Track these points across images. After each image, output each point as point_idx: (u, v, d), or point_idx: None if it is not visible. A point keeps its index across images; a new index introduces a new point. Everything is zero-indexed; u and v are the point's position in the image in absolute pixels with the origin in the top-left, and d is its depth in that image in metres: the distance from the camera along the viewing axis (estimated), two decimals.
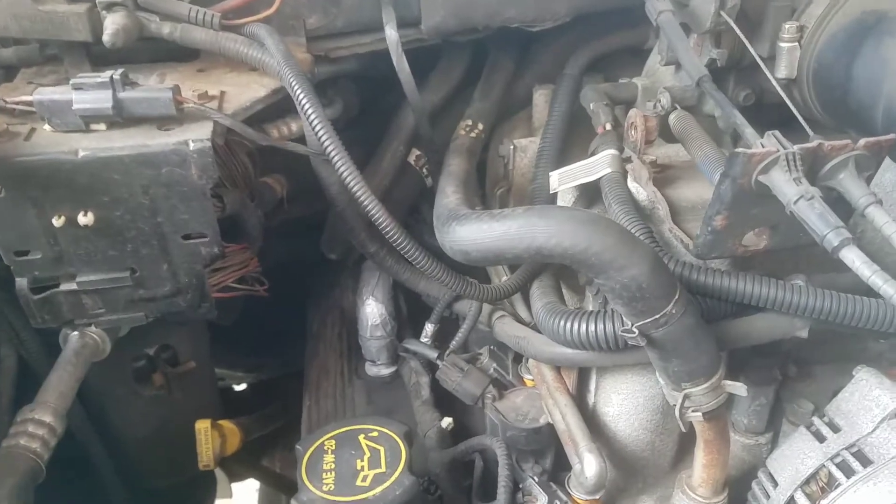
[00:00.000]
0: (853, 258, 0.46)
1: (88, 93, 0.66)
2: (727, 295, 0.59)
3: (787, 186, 0.48)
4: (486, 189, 0.90)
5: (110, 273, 0.71)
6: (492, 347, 0.85)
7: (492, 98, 0.96)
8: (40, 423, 0.65)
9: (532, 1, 0.87)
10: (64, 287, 0.71)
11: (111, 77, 0.67)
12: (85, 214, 0.66)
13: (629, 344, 0.61)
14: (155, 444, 0.98)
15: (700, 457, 0.65)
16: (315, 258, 0.93)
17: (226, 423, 0.95)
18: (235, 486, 1.43)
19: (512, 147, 0.87)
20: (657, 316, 0.53)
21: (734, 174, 0.50)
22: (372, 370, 0.93)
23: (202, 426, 0.90)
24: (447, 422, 0.82)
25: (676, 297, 0.53)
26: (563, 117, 0.86)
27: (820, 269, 0.65)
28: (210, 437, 0.90)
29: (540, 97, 0.94)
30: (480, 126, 0.90)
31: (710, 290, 0.59)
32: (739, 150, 0.49)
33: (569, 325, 0.63)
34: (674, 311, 0.53)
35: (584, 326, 0.62)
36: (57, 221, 0.65)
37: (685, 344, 0.55)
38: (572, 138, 0.86)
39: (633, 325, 0.54)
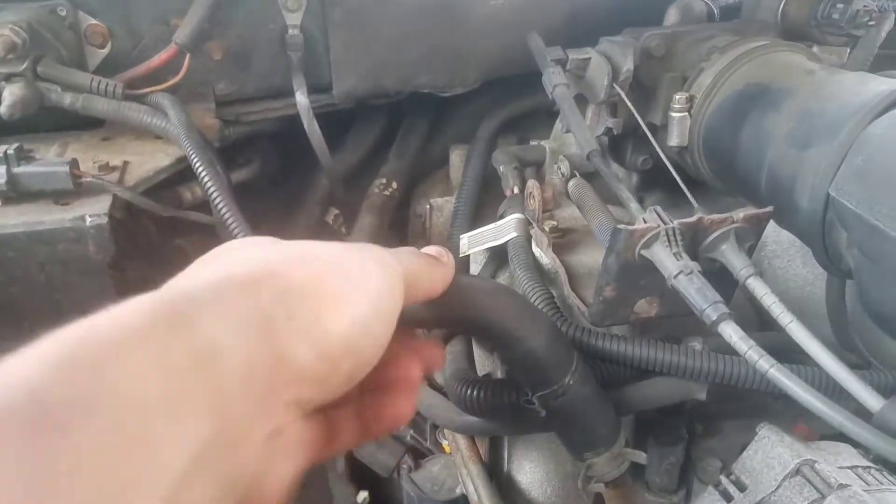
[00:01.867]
0: (730, 333, 0.47)
1: None
2: (625, 360, 0.60)
3: (667, 261, 0.49)
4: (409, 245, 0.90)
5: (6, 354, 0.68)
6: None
7: (407, 157, 0.97)
8: None
9: (442, 67, 0.89)
10: None
11: (5, 152, 0.65)
12: None
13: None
14: None
15: None
16: None
17: None
18: None
19: (428, 207, 0.88)
20: (555, 386, 0.53)
21: (618, 249, 0.51)
22: None
23: None
24: (363, 496, 0.81)
25: (573, 367, 0.53)
26: (476, 179, 0.87)
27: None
28: None
29: (456, 157, 0.96)
30: (395, 184, 0.91)
31: (609, 355, 0.60)
32: (621, 226, 0.51)
33: (475, 393, 0.63)
34: (571, 382, 0.53)
35: (489, 395, 0.61)
36: None
37: (584, 413, 0.55)
38: (487, 198, 0.87)
39: (532, 395, 0.55)
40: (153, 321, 0.28)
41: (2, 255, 0.63)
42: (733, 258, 0.53)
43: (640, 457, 0.57)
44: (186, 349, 0.28)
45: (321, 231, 0.90)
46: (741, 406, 0.76)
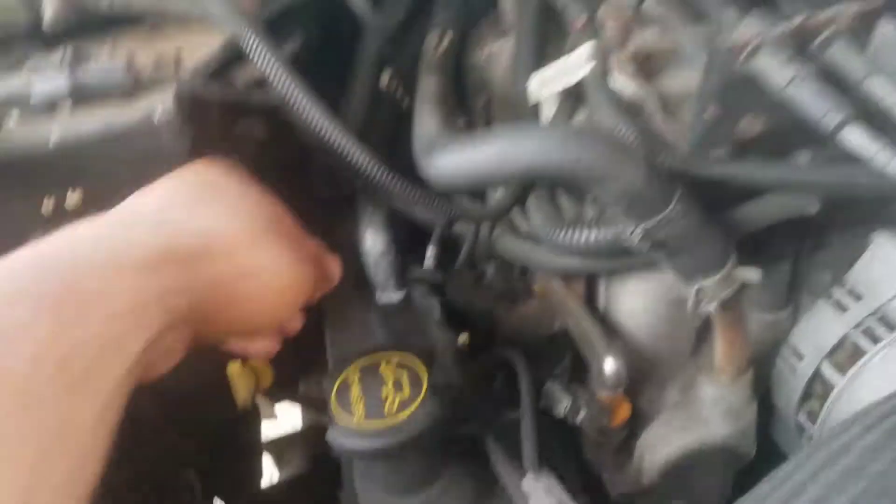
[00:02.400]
0: (857, 135, 0.43)
1: (44, 77, 0.63)
2: (729, 182, 0.56)
3: (775, 71, 0.44)
4: (470, 101, 0.85)
5: None
6: (499, 260, 0.83)
7: (455, 3, 0.89)
8: None
9: None
10: None
11: (62, 57, 0.64)
12: (71, 195, 0.64)
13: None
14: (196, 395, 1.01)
15: (719, 343, 0.65)
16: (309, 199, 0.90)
17: (255, 362, 0.96)
18: (278, 406, 1.49)
19: (485, 55, 0.82)
20: (659, 217, 0.51)
21: (718, 65, 0.46)
22: (383, 297, 0.93)
23: (234, 369, 0.91)
24: (463, 338, 0.82)
25: (676, 196, 0.51)
26: (535, 13, 0.79)
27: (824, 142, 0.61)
28: (243, 378, 0.91)
29: None
30: (450, 35, 0.84)
31: (711, 179, 0.56)
32: (720, 39, 0.45)
33: (570, 234, 0.61)
34: (675, 213, 0.51)
35: (584, 236, 0.60)
36: (45, 209, 0.64)
37: (691, 240, 0.53)
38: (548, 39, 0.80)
39: (634, 229, 0.52)
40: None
41: (81, 159, 0.63)
42: (848, 58, 0.47)
43: (754, 274, 0.55)
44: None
45: (378, 98, 0.85)
46: (853, 216, 0.72)
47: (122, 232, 0.47)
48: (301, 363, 1.20)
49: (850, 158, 0.46)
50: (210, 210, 0.51)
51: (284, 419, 1.55)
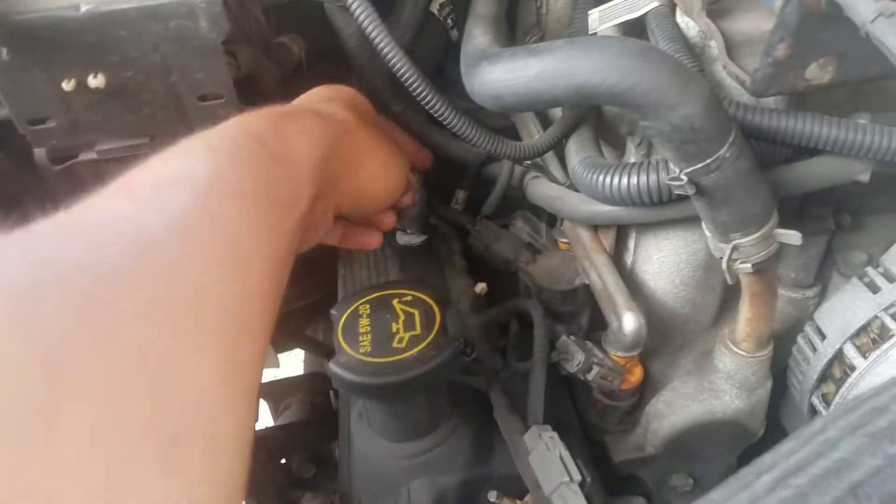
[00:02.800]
0: None
1: None
2: (784, 137, 0.54)
3: (862, 4, 0.43)
4: (517, 41, 0.83)
5: (129, 140, 0.68)
6: (524, 211, 0.82)
7: None
8: None
9: None
10: (83, 157, 0.69)
11: None
12: (95, 76, 0.62)
13: (674, 196, 0.58)
14: None
15: (745, 311, 0.63)
16: None
17: None
18: (281, 356, 1.47)
19: None
20: (709, 160, 0.49)
21: None
22: (403, 239, 0.91)
23: None
24: (481, 287, 0.81)
25: (731, 138, 0.49)
26: None
27: (882, 108, 0.60)
28: None
29: None
30: None
31: (766, 131, 0.55)
32: None
33: (609, 179, 0.59)
34: (728, 155, 0.49)
35: (625, 180, 0.58)
36: (67, 85, 0.62)
37: (737, 191, 0.51)
38: None
39: (681, 171, 0.51)
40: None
41: (113, 33, 0.61)
42: None
43: (796, 237, 0.53)
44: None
45: (427, 22, 0.83)
46: (892, 200, 0.71)
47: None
48: (308, 307, 1.19)
49: None
50: (332, 106, 0.62)
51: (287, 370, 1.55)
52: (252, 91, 0.74)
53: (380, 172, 0.65)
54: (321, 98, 0.65)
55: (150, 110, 0.66)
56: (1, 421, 0.26)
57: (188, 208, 0.37)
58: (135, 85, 0.64)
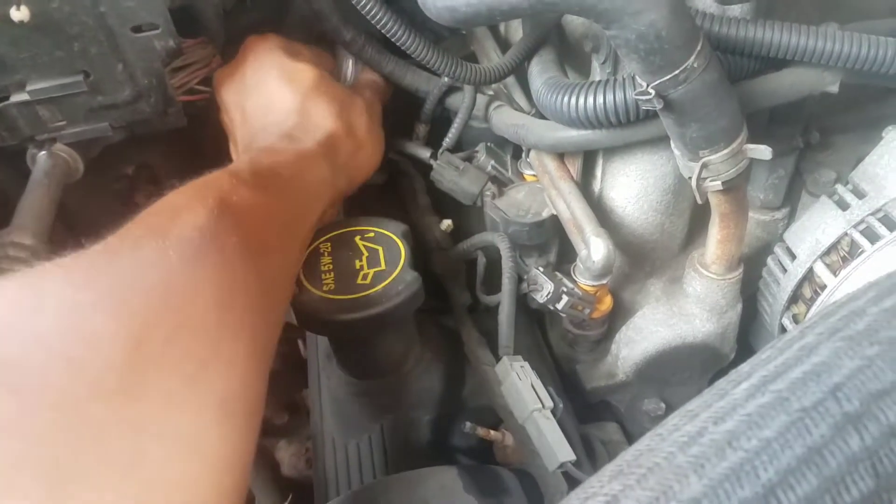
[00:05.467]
0: None
1: None
2: (752, 47, 0.53)
3: None
4: None
5: (61, 78, 0.64)
6: (488, 144, 0.79)
7: None
8: (21, 246, 0.62)
9: None
10: (15, 98, 0.64)
11: None
12: (18, 8, 0.58)
13: (641, 115, 0.56)
14: None
15: (715, 232, 0.62)
16: None
17: None
18: None
19: None
20: (676, 72, 0.47)
21: None
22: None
23: None
24: (446, 223, 0.79)
25: (699, 47, 0.47)
26: None
27: (848, 19, 0.58)
28: None
29: None
30: None
31: (733, 42, 0.53)
32: None
33: (574, 99, 0.57)
34: (695, 65, 0.47)
35: (591, 99, 0.56)
36: None
37: (706, 103, 0.49)
38: None
39: (648, 85, 0.49)
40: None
41: None
42: None
43: (765, 152, 0.52)
44: None
45: None
46: (859, 117, 0.70)
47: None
48: None
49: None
50: (320, 110, 0.68)
51: None
52: (191, 22, 0.70)
53: (372, 156, 0.74)
54: (297, 117, 0.68)
55: (81, 45, 0.62)
56: None
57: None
58: (61, 17, 0.60)
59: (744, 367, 0.32)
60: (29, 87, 0.64)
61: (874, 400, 0.28)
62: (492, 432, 0.63)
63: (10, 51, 0.61)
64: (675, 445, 0.28)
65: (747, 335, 0.78)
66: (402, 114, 0.87)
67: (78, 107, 0.67)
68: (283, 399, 1.19)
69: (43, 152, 0.69)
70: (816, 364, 0.29)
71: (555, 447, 0.52)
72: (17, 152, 0.70)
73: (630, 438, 0.69)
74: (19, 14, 0.58)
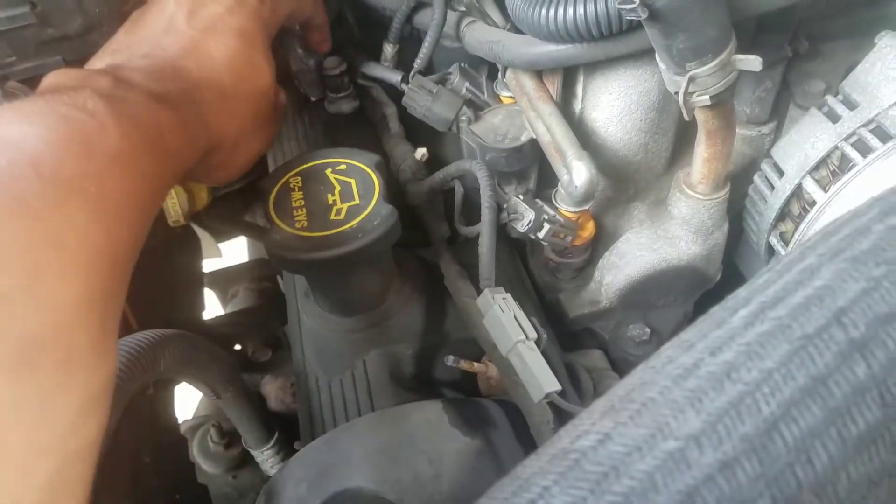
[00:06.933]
0: None
1: None
2: None
3: None
4: None
5: (7, 10, 0.61)
6: (462, 65, 0.75)
7: None
8: None
9: None
10: None
11: None
12: None
13: (625, 25, 0.53)
14: None
15: (701, 150, 0.59)
16: None
17: (189, 183, 0.88)
18: (224, 246, 1.42)
19: None
20: None
21: None
22: (332, 107, 0.84)
23: None
24: (421, 152, 0.75)
25: None
26: None
27: None
28: (174, 192, 0.83)
29: None
30: None
31: None
32: None
33: (553, 10, 0.53)
34: None
35: (571, 10, 0.52)
36: None
37: (692, 12, 0.46)
38: None
39: None
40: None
41: None
42: None
43: (755, 62, 0.49)
44: None
45: None
46: (850, 22, 0.66)
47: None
48: (244, 191, 1.13)
49: None
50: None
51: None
52: None
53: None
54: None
55: None
56: None
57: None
58: None
59: (741, 293, 0.30)
60: None
61: (881, 324, 0.26)
62: (475, 364, 0.61)
63: None
64: (670, 378, 0.27)
65: (732, 255, 0.76)
66: (368, 34, 0.82)
67: (27, 40, 0.63)
68: (264, 334, 1.18)
69: None
70: (819, 287, 0.27)
71: (540, 378, 0.51)
72: None
73: (614, 365, 0.69)
74: None
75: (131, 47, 0.54)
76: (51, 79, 0.48)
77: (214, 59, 0.54)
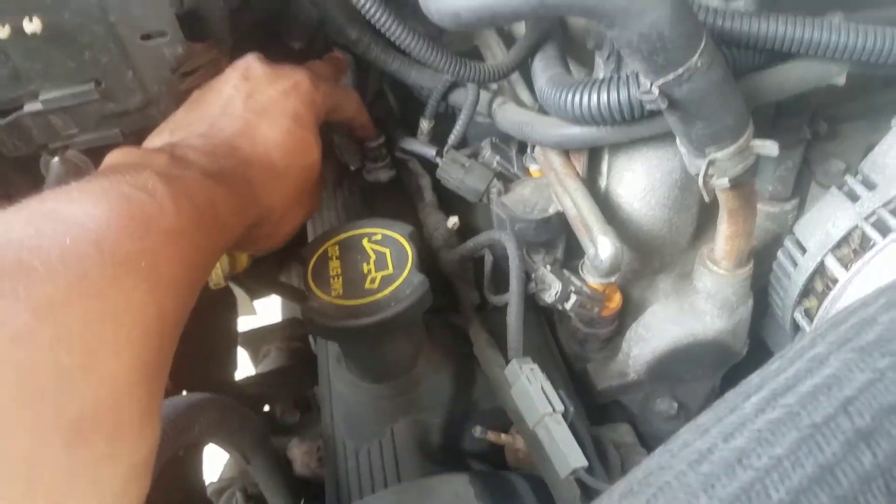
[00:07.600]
0: None
1: None
2: (757, 41, 0.52)
3: None
4: None
5: (74, 87, 0.64)
6: (493, 140, 0.79)
7: None
8: None
9: None
10: (29, 108, 0.64)
11: None
12: (30, 20, 0.58)
13: (646, 112, 0.56)
14: None
15: (724, 228, 0.61)
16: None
17: None
18: (258, 303, 1.45)
19: None
20: (680, 71, 0.46)
21: None
22: (370, 176, 0.88)
23: None
24: (453, 221, 0.78)
25: (702, 46, 0.46)
26: None
27: (855, 7, 0.57)
28: None
29: None
30: None
31: (737, 36, 0.52)
32: None
33: (578, 97, 0.56)
34: (699, 64, 0.46)
35: (595, 97, 0.55)
36: (2, 32, 0.58)
37: (710, 101, 0.49)
38: None
39: (652, 84, 0.48)
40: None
41: None
42: None
43: (772, 147, 0.51)
44: None
45: None
46: (867, 104, 0.68)
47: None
48: (281, 253, 1.17)
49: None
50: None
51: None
52: (198, 27, 0.69)
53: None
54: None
55: (92, 54, 0.62)
56: None
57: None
58: (72, 27, 0.60)
59: (753, 378, 0.32)
60: (42, 97, 0.64)
61: (886, 415, 0.27)
62: (503, 436, 0.62)
63: (23, 62, 0.61)
64: (685, 463, 0.28)
65: (759, 330, 0.77)
66: (407, 110, 0.86)
67: (90, 115, 0.67)
68: (294, 395, 1.20)
69: (56, 159, 0.70)
70: (827, 377, 0.29)
71: (566, 453, 0.52)
72: (31, 158, 0.70)
73: (642, 439, 0.69)
74: (32, 26, 0.58)
75: (190, 126, 0.59)
76: (113, 157, 0.52)
77: (268, 139, 0.58)
